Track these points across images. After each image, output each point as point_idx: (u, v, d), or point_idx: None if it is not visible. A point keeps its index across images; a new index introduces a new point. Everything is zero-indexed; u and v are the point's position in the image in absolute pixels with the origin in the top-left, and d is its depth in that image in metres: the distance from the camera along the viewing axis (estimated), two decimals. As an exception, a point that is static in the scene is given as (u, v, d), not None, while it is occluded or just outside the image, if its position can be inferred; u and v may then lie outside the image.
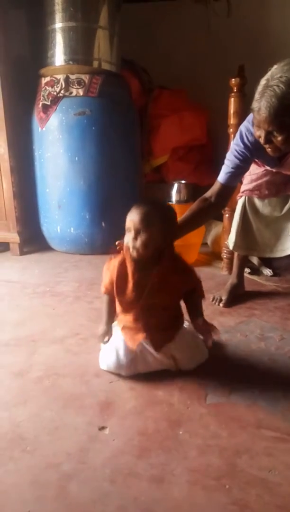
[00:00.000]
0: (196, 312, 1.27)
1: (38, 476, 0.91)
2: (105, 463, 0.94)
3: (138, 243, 1.14)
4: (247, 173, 1.68)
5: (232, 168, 1.53)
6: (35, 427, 1.06)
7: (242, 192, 1.77)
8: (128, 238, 1.16)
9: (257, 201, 1.75)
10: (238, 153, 1.50)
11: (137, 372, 1.24)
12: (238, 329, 1.56)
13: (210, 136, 2.86)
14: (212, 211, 1.58)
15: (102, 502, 0.85)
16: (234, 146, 1.52)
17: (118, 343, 1.25)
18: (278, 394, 1.18)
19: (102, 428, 1.05)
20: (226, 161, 1.56)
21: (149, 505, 0.84)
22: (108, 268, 1.24)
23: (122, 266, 1.19)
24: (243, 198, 1.77)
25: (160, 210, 1.18)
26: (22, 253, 2.54)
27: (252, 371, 1.30)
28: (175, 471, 0.92)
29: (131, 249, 1.15)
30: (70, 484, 0.89)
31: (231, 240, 1.82)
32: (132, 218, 1.15)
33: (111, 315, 1.29)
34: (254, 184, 1.71)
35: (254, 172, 1.68)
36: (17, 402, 1.16)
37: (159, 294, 1.19)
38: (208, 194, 1.56)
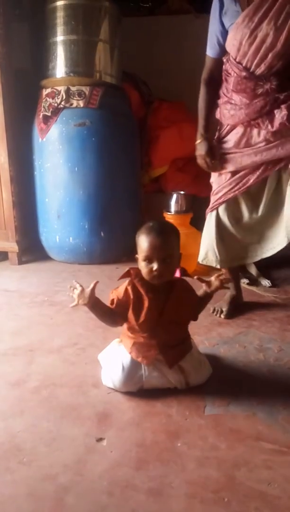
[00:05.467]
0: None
1: (34, 488, 0.90)
2: (103, 475, 0.93)
3: (166, 269, 1.13)
4: (217, 184, 1.70)
5: (215, 34, 1.55)
6: (32, 437, 1.05)
7: (215, 202, 1.70)
8: (152, 267, 1.12)
9: (234, 210, 1.69)
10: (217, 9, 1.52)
11: (142, 388, 1.22)
12: (237, 340, 1.56)
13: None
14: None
15: (99, 515, 0.84)
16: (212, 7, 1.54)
17: (124, 359, 1.22)
18: (277, 405, 1.17)
19: (99, 440, 1.04)
20: (209, 34, 1.60)
21: (147, 518, 0.83)
22: (117, 292, 1.22)
23: (134, 289, 1.18)
24: (214, 212, 1.71)
25: (173, 230, 1.18)
26: (20, 262, 2.53)
27: (251, 382, 1.30)
28: (173, 484, 0.91)
29: (156, 276, 1.13)
30: (67, 496, 0.88)
31: (212, 259, 1.73)
32: (154, 246, 1.11)
33: (104, 312, 1.22)
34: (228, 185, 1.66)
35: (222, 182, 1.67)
36: (14, 413, 1.15)
37: (176, 311, 1.20)
38: (207, 74, 1.69)
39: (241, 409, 1.16)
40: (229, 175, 1.65)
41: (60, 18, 2.24)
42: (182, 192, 2.34)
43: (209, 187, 2.88)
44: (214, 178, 1.74)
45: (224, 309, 1.76)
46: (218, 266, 1.76)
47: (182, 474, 0.94)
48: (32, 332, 1.64)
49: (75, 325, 1.69)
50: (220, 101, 1.66)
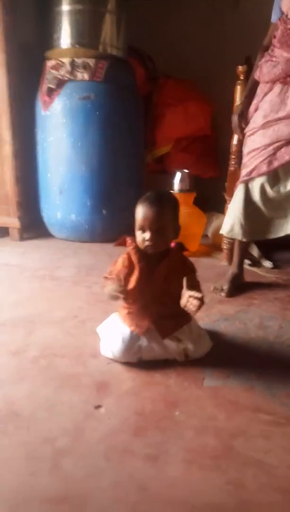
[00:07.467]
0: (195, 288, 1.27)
1: (32, 451, 0.91)
2: (101, 440, 0.94)
3: (159, 240, 1.14)
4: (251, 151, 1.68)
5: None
6: (31, 404, 1.05)
7: (246, 175, 1.69)
8: (144, 236, 1.14)
9: (264, 184, 1.67)
10: None
11: (142, 359, 1.22)
12: (237, 317, 1.55)
13: (214, 128, 2.84)
14: None
15: (96, 478, 0.84)
16: None
17: (123, 329, 1.22)
18: (275, 380, 1.17)
19: (98, 407, 1.04)
20: (274, 3, 1.69)
21: (144, 482, 0.83)
22: (116, 268, 1.22)
23: (129, 258, 1.19)
24: (243, 184, 1.70)
25: (169, 202, 1.18)
26: (21, 238, 2.51)
27: (250, 358, 1.30)
28: (170, 451, 0.91)
29: (149, 246, 1.14)
30: (65, 460, 0.88)
31: (238, 232, 1.73)
32: (147, 216, 1.12)
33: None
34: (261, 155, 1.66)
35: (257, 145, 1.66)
36: (13, 381, 1.15)
37: (165, 280, 1.19)
38: (267, 41, 1.71)
39: (240, 382, 1.16)
40: (262, 147, 1.64)
41: (66, -14, 2.18)
42: (186, 170, 2.31)
43: (213, 168, 2.86)
44: (247, 149, 1.72)
45: (224, 288, 1.75)
46: (244, 239, 1.77)
47: (180, 441, 0.94)
48: (32, 304, 1.63)
49: (75, 299, 1.68)
50: (262, 62, 1.67)
